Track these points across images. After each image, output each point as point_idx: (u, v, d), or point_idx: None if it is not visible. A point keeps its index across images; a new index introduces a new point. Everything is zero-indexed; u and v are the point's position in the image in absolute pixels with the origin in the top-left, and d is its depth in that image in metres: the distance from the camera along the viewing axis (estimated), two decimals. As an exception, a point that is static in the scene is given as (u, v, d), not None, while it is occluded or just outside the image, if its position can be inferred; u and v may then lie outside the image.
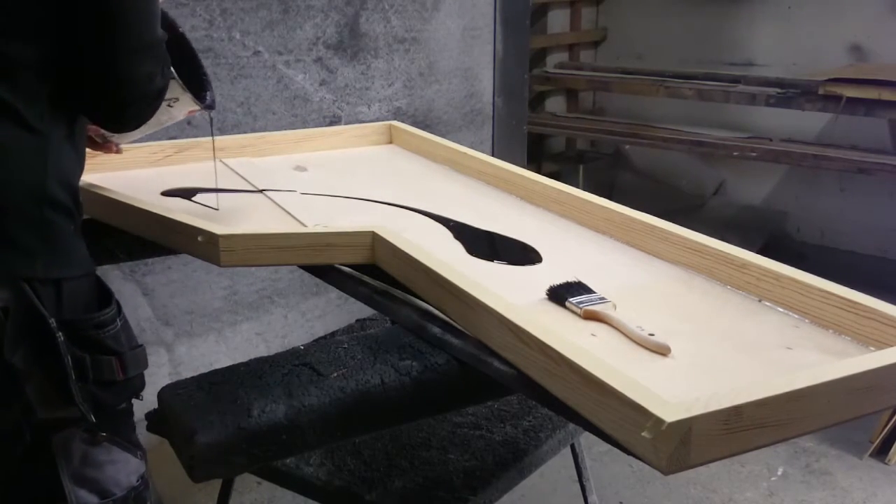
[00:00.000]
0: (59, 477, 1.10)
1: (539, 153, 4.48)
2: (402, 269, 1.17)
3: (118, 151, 1.43)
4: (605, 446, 0.87)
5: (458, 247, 1.30)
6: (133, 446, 1.14)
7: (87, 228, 1.15)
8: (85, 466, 1.12)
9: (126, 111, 1.16)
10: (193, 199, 1.44)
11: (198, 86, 1.32)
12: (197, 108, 1.32)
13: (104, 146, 1.39)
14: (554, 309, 1.09)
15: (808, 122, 3.70)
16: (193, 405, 1.00)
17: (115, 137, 1.37)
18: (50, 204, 1.07)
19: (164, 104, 1.24)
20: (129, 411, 1.15)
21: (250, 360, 1.13)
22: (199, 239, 1.22)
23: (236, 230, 1.24)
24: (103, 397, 1.09)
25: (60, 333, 1.06)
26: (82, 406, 1.07)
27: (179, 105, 1.30)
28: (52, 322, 1.05)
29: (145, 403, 1.19)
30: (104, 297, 1.14)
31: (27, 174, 1.05)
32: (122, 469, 1.14)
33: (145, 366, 1.15)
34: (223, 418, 0.98)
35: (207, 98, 1.33)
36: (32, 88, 1.06)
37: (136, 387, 1.13)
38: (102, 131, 1.33)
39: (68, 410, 1.07)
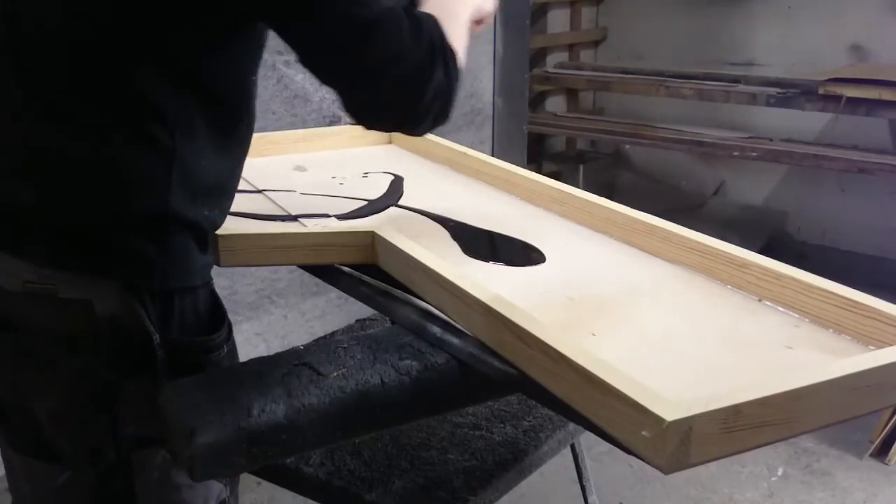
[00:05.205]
0: (134, 495, 1.08)
1: (539, 153, 4.48)
2: (402, 269, 1.17)
3: None
4: (605, 446, 0.87)
5: (457, 247, 1.30)
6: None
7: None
8: (162, 488, 1.09)
9: (384, 108, 1.00)
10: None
11: None
12: None
13: None
14: (554, 308, 1.09)
15: (808, 122, 3.70)
16: (193, 405, 1.00)
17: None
18: (174, 219, 1.01)
19: None
20: None
21: (250, 360, 1.13)
22: (199, 239, 1.22)
23: (236, 230, 1.24)
24: None
25: (161, 352, 1.02)
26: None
27: None
28: (157, 339, 1.01)
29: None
30: (217, 316, 1.10)
31: (146, 192, 0.99)
32: (200, 494, 1.11)
33: None
34: (223, 418, 0.98)
35: None
36: (163, 101, 0.97)
37: None
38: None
39: (154, 429, 1.04)
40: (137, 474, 1.08)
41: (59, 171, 1.00)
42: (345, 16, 0.93)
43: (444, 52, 1.00)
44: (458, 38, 1.06)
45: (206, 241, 1.07)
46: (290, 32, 0.97)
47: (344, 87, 1.00)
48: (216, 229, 1.12)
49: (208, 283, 1.10)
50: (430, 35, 1.00)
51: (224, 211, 1.13)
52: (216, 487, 1.12)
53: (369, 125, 1.05)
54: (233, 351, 1.13)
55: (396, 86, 0.97)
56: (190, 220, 1.03)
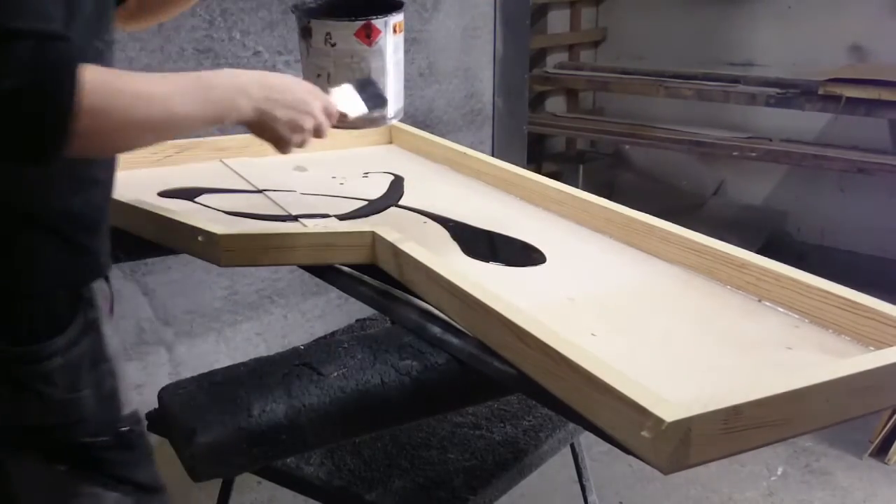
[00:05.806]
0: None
1: (539, 153, 4.47)
2: (402, 269, 1.18)
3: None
4: (605, 446, 0.87)
5: (457, 247, 1.30)
6: (121, 483, 1.01)
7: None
8: (47, 497, 1.01)
9: None
10: (196, 199, 1.44)
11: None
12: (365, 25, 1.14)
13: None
14: (554, 308, 1.09)
15: (808, 122, 3.70)
16: (193, 405, 1.00)
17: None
18: (3, 215, 0.94)
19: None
20: (123, 445, 1.01)
21: (250, 360, 1.13)
22: (200, 239, 1.22)
23: (236, 230, 1.24)
24: (38, 435, 0.98)
25: None
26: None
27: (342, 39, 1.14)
28: None
29: (146, 403, 1.19)
30: (63, 324, 0.98)
31: None
32: None
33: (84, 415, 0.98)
34: (223, 418, 0.98)
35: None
36: None
37: (88, 431, 0.98)
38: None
39: (17, 439, 0.98)
40: (18, 483, 1.01)
41: None
42: None
43: (52, 85, 0.82)
44: (155, 100, 0.91)
45: (68, 239, 0.98)
46: None
47: None
48: (90, 226, 1.02)
49: (71, 291, 0.99)
50: (48, 64, 0.82)
51: (91, 204, 1.01)
52: (110, 498, 1.02)
53: None
54: (73, 363, 0.99)
55: None
56: (30, 214, 0.95)
